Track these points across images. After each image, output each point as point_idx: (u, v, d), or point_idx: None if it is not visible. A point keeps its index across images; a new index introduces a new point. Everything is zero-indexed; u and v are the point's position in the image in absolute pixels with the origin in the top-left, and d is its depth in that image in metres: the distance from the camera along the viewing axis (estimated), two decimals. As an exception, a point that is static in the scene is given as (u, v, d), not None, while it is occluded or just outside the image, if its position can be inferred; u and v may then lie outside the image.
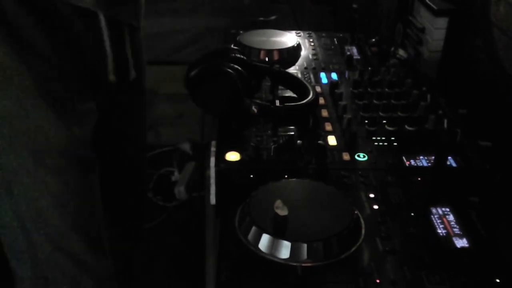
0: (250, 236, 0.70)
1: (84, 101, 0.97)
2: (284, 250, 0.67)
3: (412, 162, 0.91)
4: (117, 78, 1.02)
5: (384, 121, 1.01)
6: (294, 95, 1.05)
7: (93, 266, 1.01)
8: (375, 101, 1.07)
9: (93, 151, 1.00)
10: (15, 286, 1.03)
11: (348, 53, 1.28)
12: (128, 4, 1.02)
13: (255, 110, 0.94)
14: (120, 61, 1.03)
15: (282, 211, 0.70)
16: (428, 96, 1.08)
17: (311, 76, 1.19)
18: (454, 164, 0.90)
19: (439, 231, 0.75)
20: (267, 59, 1.20)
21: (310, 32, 1.44)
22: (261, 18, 2.10)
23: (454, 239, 0.74)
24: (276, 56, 1.21)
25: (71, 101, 0.94)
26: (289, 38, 1.28)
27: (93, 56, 0.97)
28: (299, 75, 1.17)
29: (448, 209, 0.79)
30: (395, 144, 0.95)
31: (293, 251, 0.67)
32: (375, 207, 0.80)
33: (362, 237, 0.72)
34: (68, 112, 0.93)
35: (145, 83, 1.20)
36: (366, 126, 0.99)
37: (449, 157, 0.91)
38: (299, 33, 1.42)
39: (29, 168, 0.91)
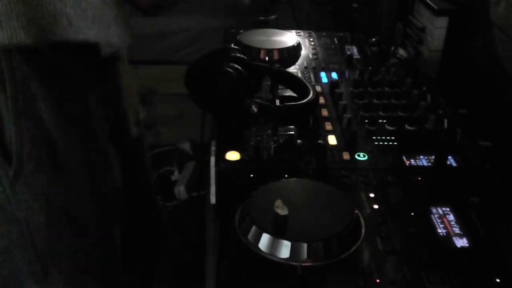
0: (250, 236, 0.70)
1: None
2: (284, 250, 0.67)
3: (412, 162, 0.91)
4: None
5: (384, 121, 1.01)
6: (294, 95, 1.05)
7: None
8: (375, 101, 1.07)
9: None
10: None
11: (348, 52, 1.28)
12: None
13: (255, 109, 0.94)
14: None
15: (282, 211, 0.70)
16: (428, 96, 1.08)
17: (311, 75, 1.19)
18: (454, 164, 0.90)
19: (439, 231, 0.75)
20: (267, 58, 1.20)
21: (310, 31, 1.44)
22: (261, 18, 2.10)
23: (454, 239, 0.74)
24: (276, 56, 1.21)
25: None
26: (289, 38, 1.28)
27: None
28: (299, 75, 1.17)
29: (448, 209, 0.79)
30: (395, 144, 0.95)
31: (293, 251, 0.67)
32: (375, 207, 0.80)
33: (362, 237, 0.72)
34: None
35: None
36: (366, 126, 0.99)
37: (449, 157, 0.91)
38: (299, 32, 1.42)
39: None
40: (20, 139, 0.72)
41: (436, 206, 0.80)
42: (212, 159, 0.88)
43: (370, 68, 1.18)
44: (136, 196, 1.17)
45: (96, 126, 0.91)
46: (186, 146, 2.37)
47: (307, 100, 0.99)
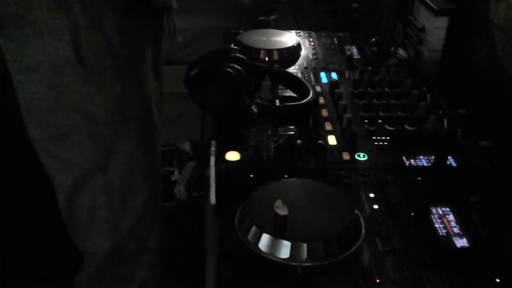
0: (250, 236, 0.70)
1: None
2: (284, 250, 0.67)
3: (412, 162, 0.91)
4: None
5: (384, 121, 1.01)
6: (294, 95, 1.05)
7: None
8: (375, 101, 1.07)
9: None
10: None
11: (348, 52, 1.28)
12: None
13: (255, 110, 0.94)
14: None
15: (282, 211, 0.70)
16: (428, 96, 1.08)
17: (311, 75, 1.19)
18: (454, 164, 0.90)
19: (439, 231, 0.75)
20: (267, 59, 1.20)
21: (310, 32, 1.44)
22: (261, 18, 2.10)
23: (454, 239, 0.74)
24: (276, 56, 1.21)
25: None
26: (289, 38, 1.28)
27: None
28: (299, 75, 1.17)
29: (448, 209, 0.79)
30: (395, 144, 0.95)
31: (293, 251, 0.67)
32: (375, 207, 0.80)
33: (362, 237, 0.72)
34: None
35: None
36: (366, 126, 0.99)
37: (449, 157, 0.91)
38: (299, 33, 1.42)
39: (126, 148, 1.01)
40: (92, 48, 0.90)
41: (436, 206, 0.80)
42: (212, 159, 0.88)
43: (370, 68, 1.18)
44: None
45: (147, 70, 1.06)
46: (186, 146, 2.36)
47: (307, 100, 0.99)
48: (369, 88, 1.12)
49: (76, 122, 0.94)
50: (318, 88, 1.12)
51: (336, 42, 1.38)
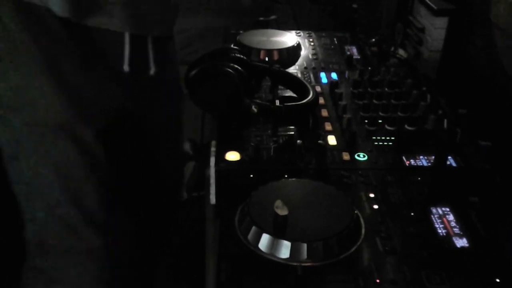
0: (250, 236, 0.70)
1: (92, 86, 1.02)
2: (284, 250, 0.67)
3: (412, 162, 0.91)
4: (136, 72, 1.06)
5: (384, 121, 1.01)
6: (294, 95, 1.05)
7: (87, 241, 1.05)
8: (375, 101, 1.07)
9: (99, 138, 1.04)
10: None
11: (348, 53, 1.28)
12: (163, 24, 1.10)
13: (255, 110, 0.94)
14: (140, 55, 1.07)
15: (282, 211, 0.70)
16: (428, 96, 1.08)
17: (311, 76, 1.19)
18: (454, 164, 0.90)
19: (439, 231, 0.75)
20: (267, 59, 1.20)
21: (310, 32, 1.44)
22: (261, 18, 2.10)
23: (454, 239, 0.74)
24: (276, 56, 1.21)
25: (79, 84, 0.99)
26: (289, 38, 1.28)
27: (110, 46, 1.01)
28: (299, 75, 1.17)
29: (448, 209, 0.79)
30: (395, 144, 0.95)
31: (293, 251, 0.67)
32: (375, 207, 0.80)
33: (362, 237, 0.72)
34: (74, 92, 0.99)
35: (177, 83, 1.26)
36: (366, 126, 0.99)
37: (449, 157, 0.91)
38: (299, 33, 1.42)
39: (32, 138, 0.98)
40: None
41: (436, 206, 0.80)
42: (212, 159, 0.88)
43: (370, 68, 1.18)
44: None
45: None
46: (186, 146, 2.36)
47: (307, 101, 0.99)
48: (369, 88, 1.12)
49: None
50: (318, 88, 1.12)
51: (336, 42, 1.38)
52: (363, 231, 0.73)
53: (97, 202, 1.05)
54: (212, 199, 0.82)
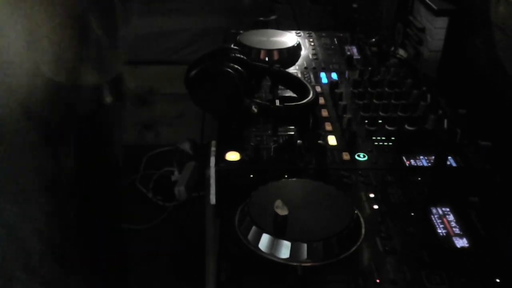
0: (250, 236, 0.70)
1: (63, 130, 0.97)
2: (284, 250, 0.67)
3: (412, 162, 0.91)
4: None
5: (384, 121, 1.01)
6: (294, 95, 1.05)
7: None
8: (375, 101, 1.07)
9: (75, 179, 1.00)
10: None
11: (348, 53, 1.28)
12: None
13: (255, 110, 0.94)
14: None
15: (282, 211, 0.70)
16: (428, 96, 1.08)
17: (311, 76, 1.19)
18: (454, 164, 0.90)
19: (439, 231, 0.75)
20: (267, 59, 1.20)
21: (310, 32, 1.44)
22: (261, 18, 2.10)
23: (454, 239, 0.74)
24: (276, 56, 1.21)
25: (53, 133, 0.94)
26: (289, 38, 1.28)
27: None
28: (299, 75, 1.17)
29: (448, 209, 0.79)
30: (395, 144, 0.95)
31: (293, 251, 0.67)
32: (375, 207, 0.80)
33: (362, 237, 0.72)
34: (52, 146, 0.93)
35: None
36: (366, 126, 0.99)
37: (449, 157, 0.91)
38: (299, 33, 1.42)
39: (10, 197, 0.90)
40: None
41: (436, 206, 0.80)
42: (212, 159, 0.88)
43: (370, 68, 1.18)
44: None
45: None
46: (186, 146, 2.36)
47: (307, 101, 0.99)
48: (369, 88, 1.12)
49: None
50: (318, 88, 1.12)
51: (336, 42, 1.38)
52: (363, 231, 0.73)
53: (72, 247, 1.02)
54: (212, 199, 0.82)
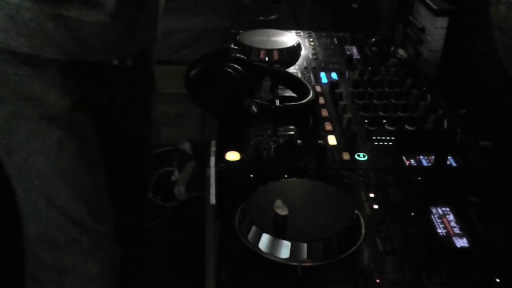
0: (250, 236, 0.70)
1: (85, 76, 1.01)
2: (284, 250, 0.67)
3: (412, 162, 0.91)
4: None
5: (384, 121, 1.01)
6: (294, 95, 1.05)
7: (93, 230, 1.05)
8: (375, 101, 1.07)
9: (93, 126, 1.04)
10: (23, 244, 1.08)
11: (348, 53, 1.28)
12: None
13: (255, 110, 0.94)
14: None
15: (282, 211, 0.70)
16: (428, 96, 1.08)
17: (311, 75, 1.19)
18: (454, 164, 0.90)
19: (439, 231, 0.75)
20: (267, 59, 1.20)
21: (310, 32, 1.44)
22: (261, 18, 2.10)
23: (454, 239, 0.74)
24: (276, 56, 1.21)
25: (73, 73, 0.98)
26: (289, 38, 1.28)
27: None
28: (299, 75, 1.17)
29: (448, 209, 0.79)
30: (395, 144, 0.95)
31: (293, 251, 0.67)
32: (375, 207, 0.80)
33: (362, 237, 0.72)
34: (70, 82, 0.98)
35: (150, 79, 1.27)
36: (366, 126, 0.99)
37: (449, 157, 0.91)
38: (299, 33, 1.42)
39: (26, 130, 0.97)
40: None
41: (436, 206, 0.80)
42: (212, 159, 0.88)
43: (370, 68, 1.18)
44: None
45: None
46: (186, 146, 2.37)
47: (307, 100, 0.99)
48: (369, 88, 1.12)
49: None
50: (318, 88, 1.12)
51: (336, 42, 1.38)
52: (363, 231, 0.73)
53: (93, 188, 1.05)
54: (212, 199, 0.81)
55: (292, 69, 1.21)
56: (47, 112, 0.97)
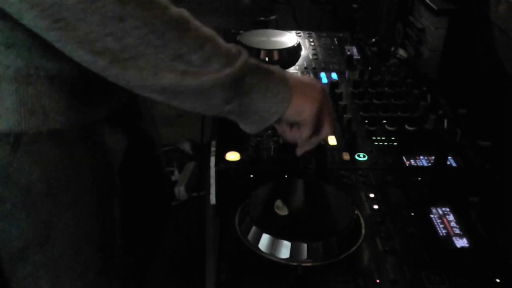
0: (250, 236, 0.70)
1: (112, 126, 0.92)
2: (284, 250, 0.68)
3: (412, 162, 0.91)
4: None
5: (384, 121, 1.01)
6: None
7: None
8: (375, 101, 1.07)
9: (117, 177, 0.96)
10: None
11: (348, 53, 1.28)
12: None
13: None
14: None
15: (282, 211, 0.70)
16: (428, 96, 1.08)
17: (311, 76, 1.19)
18: (454, 164, 0.90)
19: (439, 231, 0.75)
20: (267, 59, 1.20)
21: (310, 32, 1.44)
22: (261, 18, 2.10)
23: (454, 239, 0.74)
24: (276, 56, 1.21)
25: (101, 129, 0.89)
26: (289, 38, 1.28)
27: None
28: (299, 75, 1.17)
29: (448, 209, 0.79)
30: (395, 144, 0.95)
31: (293, 251, 0.67)
32: (375, 207, 0.80)
33: (362, 237, 0.72)
34: (99, 143, 0.89)
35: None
36: (366, 126, 0.99)
37: (449, 157, 0.91)
38: (299, 33, 1.42)
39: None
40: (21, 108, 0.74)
41: (436, 206, 0.80)
42: (212, 159, 0.88)
43: (370, 68, 1.18)
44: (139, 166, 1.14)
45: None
46: (186, 146, 2.37)
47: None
48: (369, 88, 1.12)
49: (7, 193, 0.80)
50: (318, 88, 1.12)
51: (336, 42, 1.38)
52: (363, 231, 0.73)
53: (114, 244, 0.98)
54: (212, 199, 0.82)
55: (292, 70, 1.21)
56: None
